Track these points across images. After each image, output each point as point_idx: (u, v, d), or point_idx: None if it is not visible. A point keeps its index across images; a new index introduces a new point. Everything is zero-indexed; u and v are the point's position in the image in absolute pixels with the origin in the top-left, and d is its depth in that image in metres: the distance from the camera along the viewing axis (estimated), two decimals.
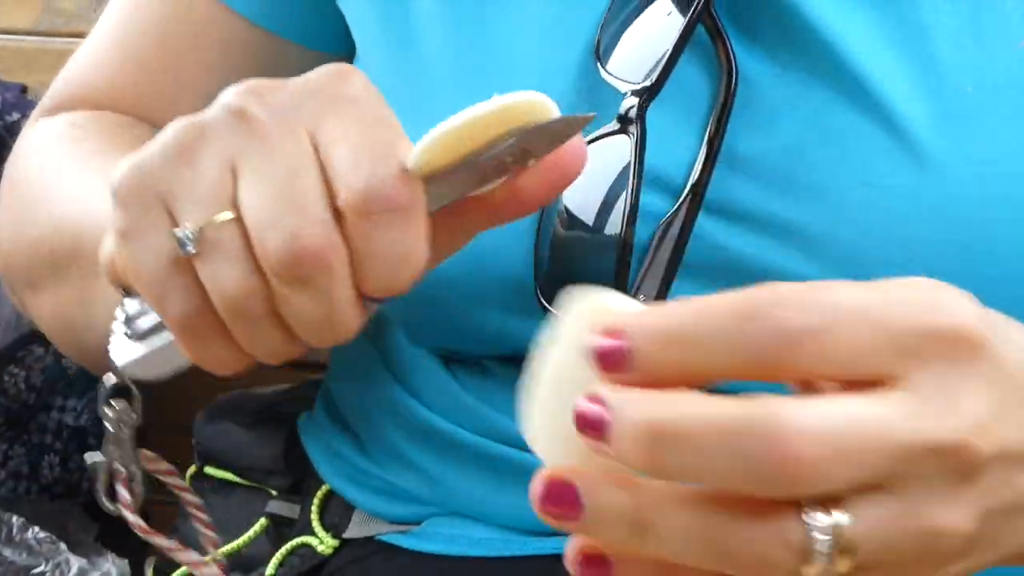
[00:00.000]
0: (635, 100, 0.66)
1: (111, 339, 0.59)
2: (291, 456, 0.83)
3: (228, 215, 0.52)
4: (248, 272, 0.53)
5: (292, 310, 0.53)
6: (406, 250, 0.52)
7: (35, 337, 1.11)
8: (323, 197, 0.52)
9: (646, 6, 0.69)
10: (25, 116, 1.11)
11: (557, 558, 0.66)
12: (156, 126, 0.82)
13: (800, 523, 0.42)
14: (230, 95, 0.55)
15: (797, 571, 0.42)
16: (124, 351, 0.59)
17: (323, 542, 0.77)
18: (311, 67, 0.82)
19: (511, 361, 0.72)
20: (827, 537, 0.42)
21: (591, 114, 0.54)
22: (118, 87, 0.88)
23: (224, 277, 0.53)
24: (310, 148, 0.53)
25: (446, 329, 0.75)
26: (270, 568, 0.78)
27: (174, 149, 0.54)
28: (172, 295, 0.54)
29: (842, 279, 0.57)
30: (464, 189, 0.54)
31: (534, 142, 0.53)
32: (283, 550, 0.79)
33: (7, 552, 0.94)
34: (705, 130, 0.66)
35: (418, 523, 0.75)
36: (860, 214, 0.66)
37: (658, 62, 0.66)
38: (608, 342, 0.42)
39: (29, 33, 1.23)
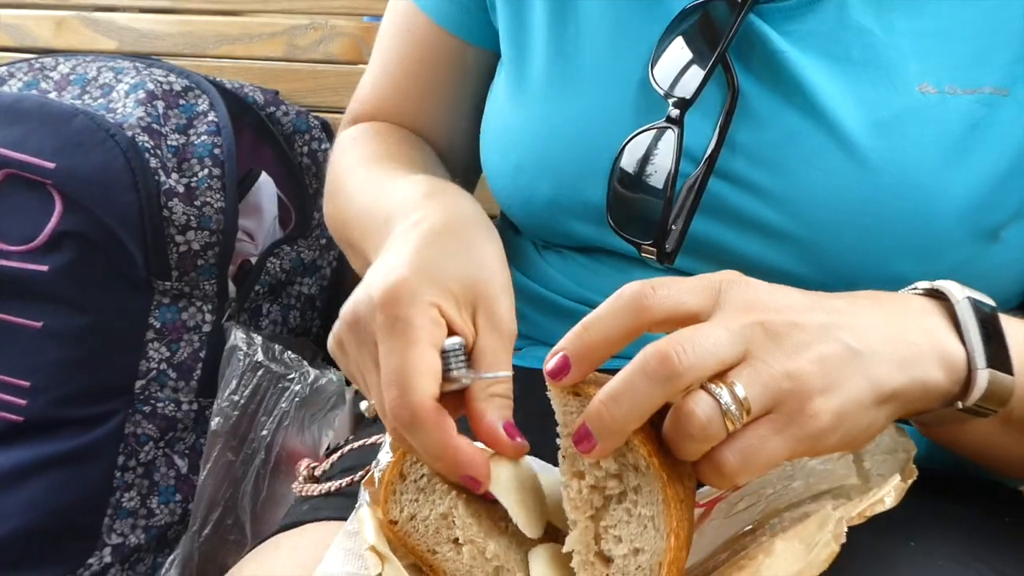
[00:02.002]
0: (677, 110, 0.67)
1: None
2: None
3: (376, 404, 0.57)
4: (390, 424, 0.56)
5: (413, 444, 0.55)
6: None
7: (286, 240, 1.15)
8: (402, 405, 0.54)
9: (673, 41, 0.70)
10: (278, 110, 1.18)
11: (604, 372, 0.68)
12: (408, 125, 0.88)
13: (710, 399, 0.48)
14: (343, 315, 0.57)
15: (721, 424, 0.48)
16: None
17: None
18: (481, 63, 0.84)
19: (583, 251, 0.76)
20: (726, 399, 0.48)
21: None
22: (383, 104, 0.89)
23: (387, 422, 0.56)
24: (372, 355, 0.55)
25: (542, 230, 0.77)
26: None
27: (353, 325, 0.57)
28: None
29: (792, 219, 0.65)
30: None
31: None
32: None
33: (273, 366, 1.00)
34: (716, 125, 0.68)
35: (519, 349, 0.78)
36: (811, 187, 0.66)
37: (684, 78, 0.68)
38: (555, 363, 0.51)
39: (279, 59, 1.27)
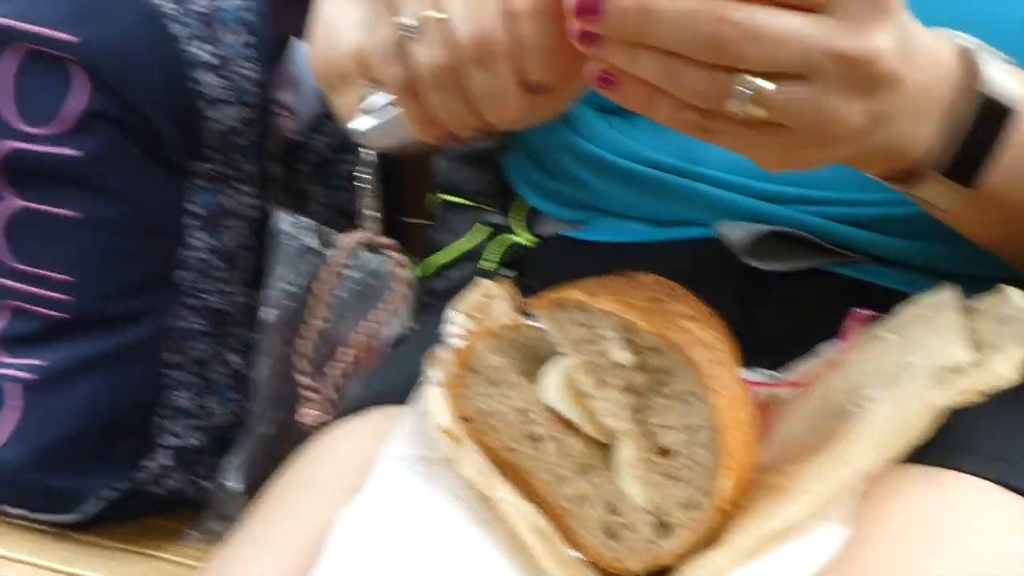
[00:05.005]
0: None
1: (354, 120, 0.62)
2: (500, 184, 0.89)
3: (436, 13, 0.53)
4: (444, 54, 0.53)
5: (472, 85, 0.53)
6: (561, 47, 0.52)
7: (329, 115, 1.10)
8: (500, 4, 0.52)
9: None
10: None
11: (676, 243, 0.75)
12: None
13: (731, 76, 0.48)
14: None
15: (721, 104, 0.49)
16: (360, 125, 0.62)
17: (524, 238, 0.85)
18: None
19: None
20: (748, 91, 0.48)
21: None
22: None
23: (428, 55, 0.53)
24: None
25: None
26: (490, 256, 0.86)
27: None
28: (394, 65, 0.55)
29: None
30: None
31: None
32: (498, 245, 0.86)
33: (326, 251, 0.96)
34: None
35: (584, 223, 0.80)
36: None
37: None
38: None
39: None
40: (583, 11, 0.49)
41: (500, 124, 0.56)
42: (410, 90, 0.55)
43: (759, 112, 0.48)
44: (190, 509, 1.10)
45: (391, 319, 0.93)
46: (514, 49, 0.52)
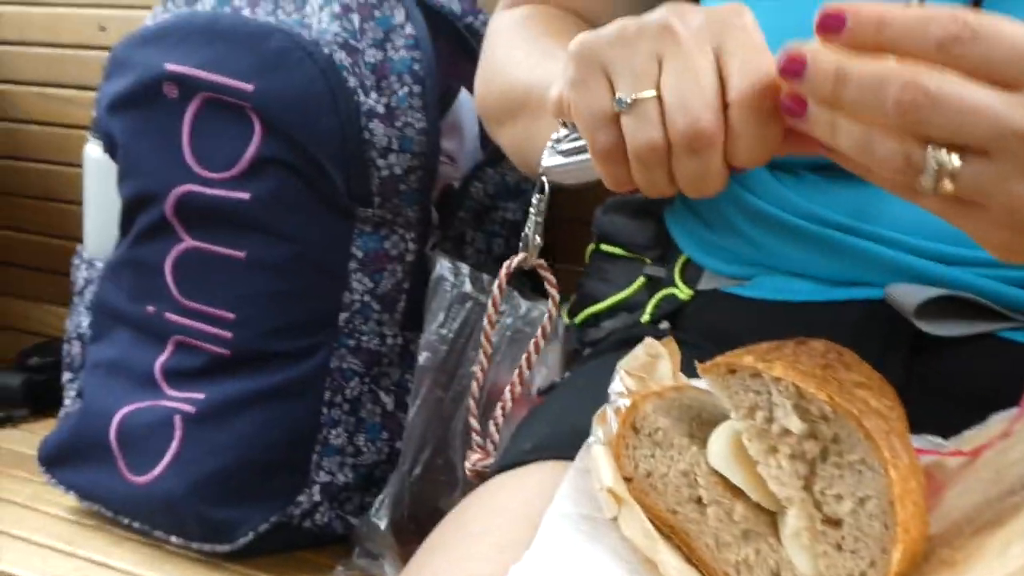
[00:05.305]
0: None
1: (543, 153, 0.65)
2: (660, 236, 0.89)
3: (653, 93, 0.55)
4: (657, 135, 0.55)
5: (679, 167, 0.56)
6: (768, 138, 0.55)
7: (488, 163, 1.18)
8: (718, 95, 0.54)
9: None
10: (476, 20, 1.18)
11: (844, 303, 0.73)
12: (581, 17, 0.88)
13: (922, 151, 0.48)
14: (662, 11, 0.57)
15: (914, 178, 0.49)
16: (550, 161, 0.64)
17: (683, 292, 0.83)
18: None
19: (818, 170, 0.77)
20: (936, 165, 0.48)
21: None
22: None
23: (640, 133, 0.56)
24: (713, 59, 0.55)
25: None
26: (649, 309, 0.84)
27: (619, 36, 0.57)
28: (601, 134, 0.57)
29: None
30: None
31: None
32: (656, 298, 0.85)
33: (481, 297, 1.04)
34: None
35: (748, 279, 0.79)
36: None
37: None
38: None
39: None
40: (787, 72, 0.51)
41: (696, 196, 0.58)
42: (612, 156, 0.58)
43: (948, 187, 0.48)
44: (338, 544, 1.13)
45: (540, 366, 0.94)
46: (726, 138, 0.55)
